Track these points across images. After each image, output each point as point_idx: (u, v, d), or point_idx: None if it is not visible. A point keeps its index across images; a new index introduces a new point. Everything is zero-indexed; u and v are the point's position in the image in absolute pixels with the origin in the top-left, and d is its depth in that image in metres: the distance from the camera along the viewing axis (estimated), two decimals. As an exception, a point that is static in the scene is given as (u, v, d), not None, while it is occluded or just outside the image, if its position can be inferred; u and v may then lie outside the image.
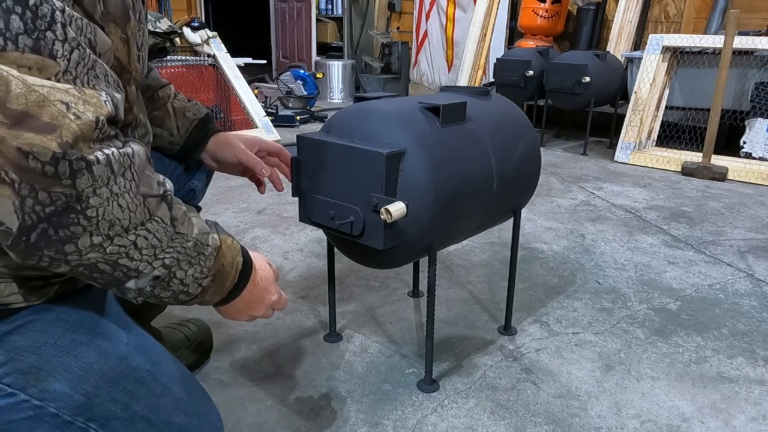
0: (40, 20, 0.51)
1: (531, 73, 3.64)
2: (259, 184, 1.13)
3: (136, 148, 0.58)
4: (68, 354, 0.66)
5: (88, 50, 0.56)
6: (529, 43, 4.57)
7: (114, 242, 0.56)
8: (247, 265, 0.73)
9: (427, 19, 5.64)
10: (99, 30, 0.59)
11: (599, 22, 4.61)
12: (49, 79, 0.52)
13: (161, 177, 0.63)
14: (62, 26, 0.53)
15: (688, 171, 3.18)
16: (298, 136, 1.10)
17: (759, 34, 3.39)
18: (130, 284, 0.61)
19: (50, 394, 0.64)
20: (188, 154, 1.07)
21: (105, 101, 0.55)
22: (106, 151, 0.54)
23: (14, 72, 0.50)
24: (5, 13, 0.50)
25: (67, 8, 0.54)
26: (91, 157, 0.53)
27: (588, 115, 3.67)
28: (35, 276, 0.64)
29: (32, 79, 0.51)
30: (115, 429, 0.68)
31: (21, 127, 0.50)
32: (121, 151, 0.56)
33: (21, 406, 0.64)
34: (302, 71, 4.77)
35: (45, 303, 0.66)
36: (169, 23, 3.54)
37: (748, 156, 3.28)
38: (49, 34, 0.52)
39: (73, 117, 0.52)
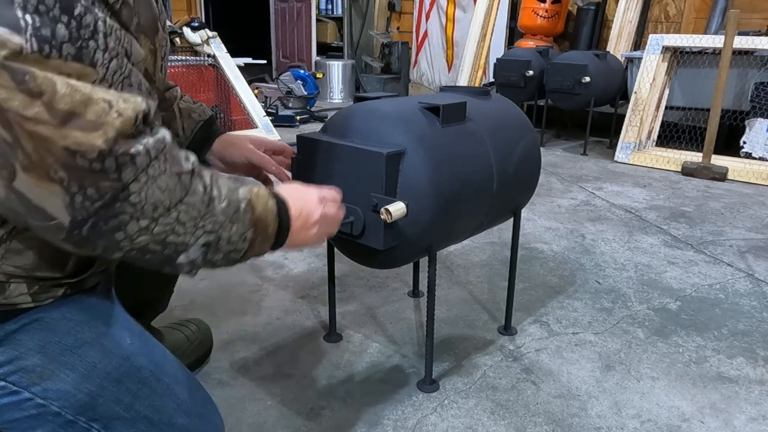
0: (84, 29, 0.53)
1: (531, 73, 3.64)
2: (267, 183, 1.13)
3: (163, 131, 0.60)
4: (72, 353, 0.66)
5: (125, 60, 0.57)
6: (529, 43, 4.57)
7: (159, 222, 0.58)
8: (282, 204, 0.74)
9: (427, 19, 5.64)
10: (134, 41, 0.61)
11: (599, 22, 4.61)
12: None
13: (184, 151, 0.64)
14: (104, 36, 0.54)
15: (688, 171, 3.18)
16: (298, 136, 1.10)
17: (759, 34, 3.39)
18: (182, 259, 0.63)
19: (54, 392, 0.65)
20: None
21: (141, 101, 0.57)
22: (143, 141, 0.56)
23: (57, 77, 0.51)
24: (52, 22, 0.51)
25: (108, 19, 0.56)
26: (133, 150, 0.55)
27: (588, 115, 3.67)
28: (47, 277, 0.65)
29: (74, 82, 0.52)
30: (118, 429, 0.68)
31: (67, 126, 0.51)
32: (155, 137, 0.58)
33: (24, 404, 0.64)
34: (302, 71, 4.77)
35: (51, 303, 0.67)
36: (169, 23, 3.54)
37: (748, 156, 3.28)
38: (91, 43, 0.53)
39: (115, 114, 0.54)
